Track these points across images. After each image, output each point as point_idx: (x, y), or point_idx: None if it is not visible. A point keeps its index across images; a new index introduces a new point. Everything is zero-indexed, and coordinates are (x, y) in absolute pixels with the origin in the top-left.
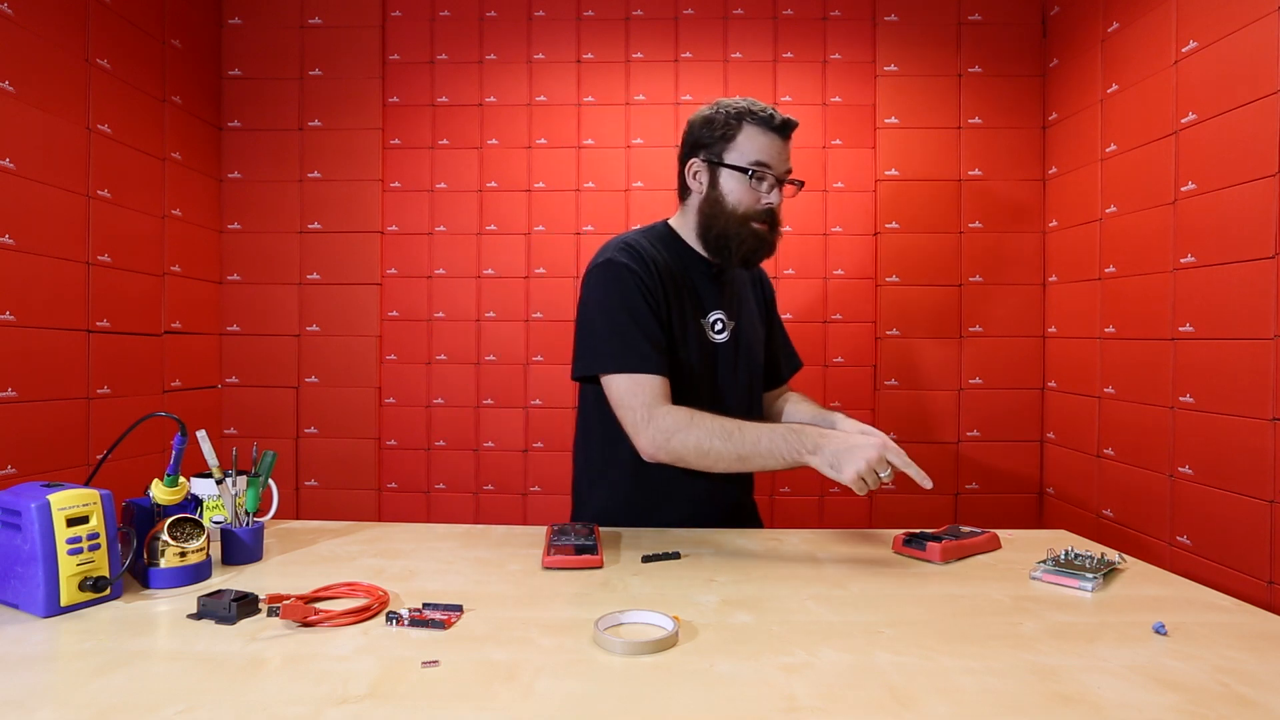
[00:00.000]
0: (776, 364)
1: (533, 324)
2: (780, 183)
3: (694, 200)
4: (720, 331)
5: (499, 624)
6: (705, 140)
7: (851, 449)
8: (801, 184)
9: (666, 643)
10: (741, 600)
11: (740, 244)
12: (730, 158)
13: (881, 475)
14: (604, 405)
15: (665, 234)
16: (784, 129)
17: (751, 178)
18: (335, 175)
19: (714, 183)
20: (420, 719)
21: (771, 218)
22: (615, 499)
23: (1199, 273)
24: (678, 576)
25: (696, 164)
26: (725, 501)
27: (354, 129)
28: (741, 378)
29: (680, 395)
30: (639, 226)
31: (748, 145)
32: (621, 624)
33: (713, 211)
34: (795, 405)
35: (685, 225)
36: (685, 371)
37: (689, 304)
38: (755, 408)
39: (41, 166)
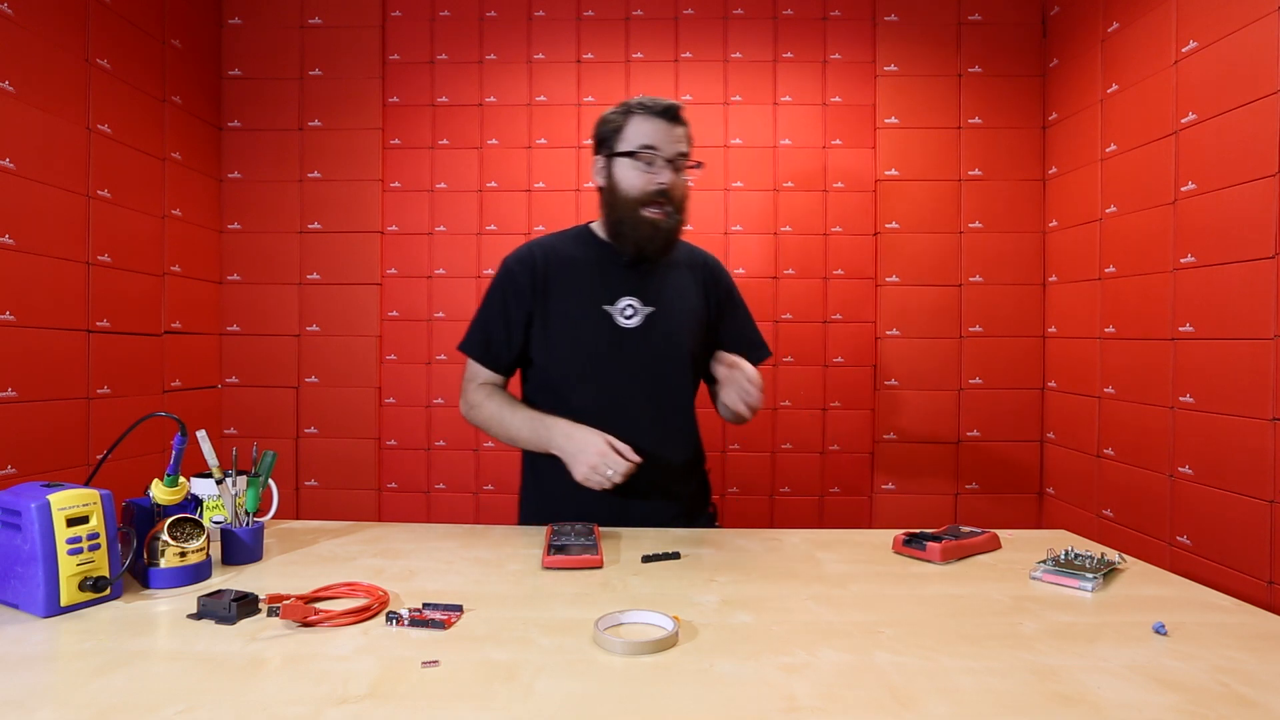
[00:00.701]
0: (750, 346)
1: None
2: (673, 164)
3: (602, 194)
4: (630, 317)
5: (499, 624)
6: (602, 136)
7: (575, 455)
8: (699, 165)
9: (666, 643)
10: (741, 600)
11: (634, 230)
12: (620, 146)
13: (608, 474)
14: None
15: (580, 232)
16: (668, 113)
17: (637, 159)
18: (335, 175)
19: (610, 173)
20: (420, 719)
21: (667, 199)
22: (527, 497)
23: (1199, 273)
24: (678, 576)
25: (599, 160)
26: (610, 506)
27: (354, 129)
28: (653, 360)
29: (580, 375)
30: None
31: (635, 132)
32: (621, 624)
33: (611, 201)
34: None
35: (600, 222)
36: (586, 353)
37: (593, 292)
38: (672, 388)
39: (41, 166)
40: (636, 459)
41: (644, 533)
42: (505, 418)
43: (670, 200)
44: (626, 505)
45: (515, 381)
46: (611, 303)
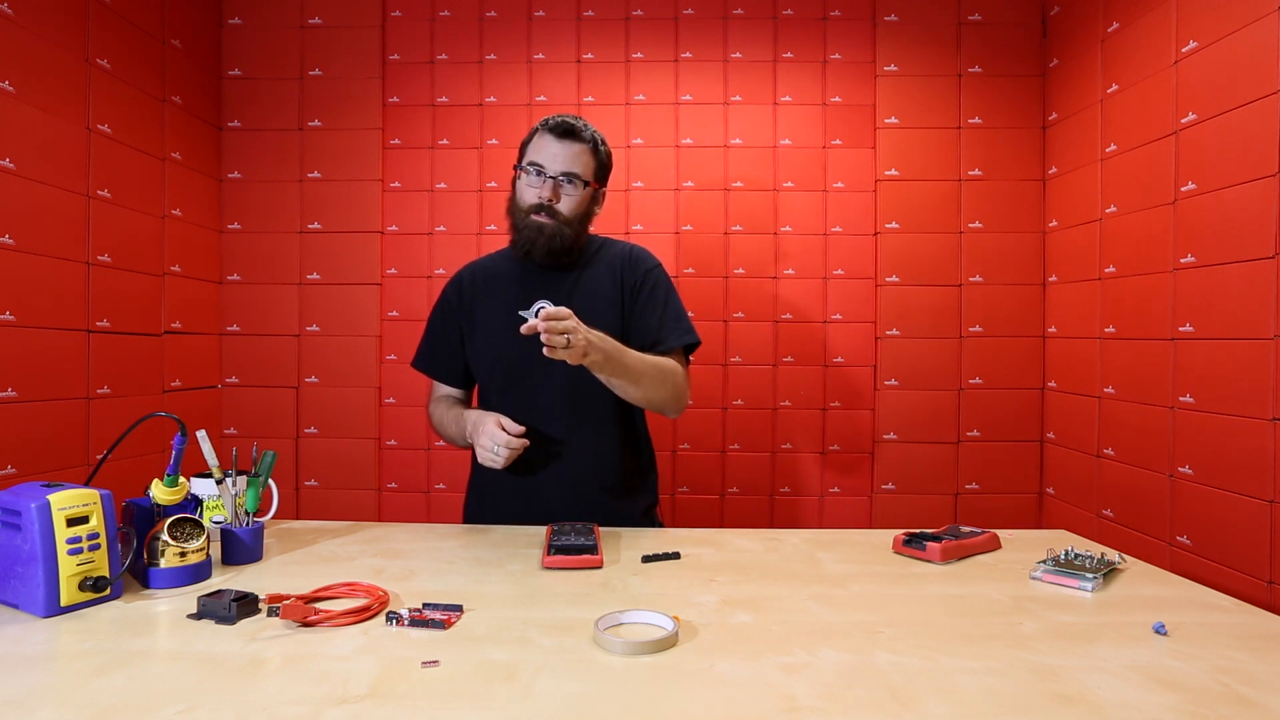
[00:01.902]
0: (651, 337)
1: None
2: (555, 179)
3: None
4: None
5: (499, 624)
6: (519, 153)
7: (475, 439)
8: (587, 183)
9: (666, 643)
10: (741, 600)
11: (520, 234)
12: (521, 162)
13: (494, 451)
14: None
15: (510, 249)
16: (557, 130)
17: (521, 174)
18: (335, 175)
19: (513, 185)
20: (420, 719)
21: (545, 209)
22: (471, 497)
23: (1199, 273)
24: (678, 576)
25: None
26: (599, 477)
27: (354, 129)
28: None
29: (502, 380)
30: None
31: (531, 150)
32: (621, 624)
33: (509, 210)
34: None
35: None
36: (508, 358)
37: (508, 300)
38: (587, 386)
39: (41, 166)
40: (520, 440)
41: (644, 533)
42: (444, 421)
43: (552, 212)
44: (546, 500)
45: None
46: (526, 306)
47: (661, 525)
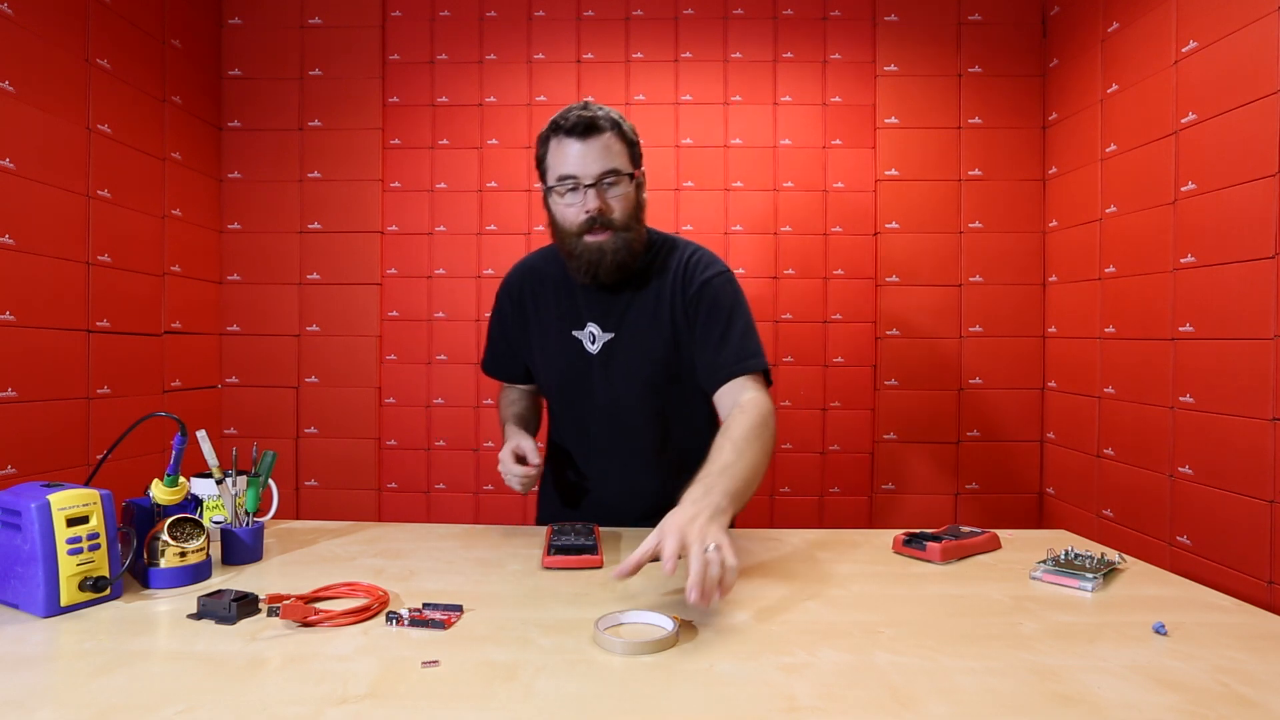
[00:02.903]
0: (711, 370)
1: None
2: (597, 185)
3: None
4: (593, 343)
5: (499, 624)
6: (538, 167)
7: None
8: (630, 175)
9: (666, 643)
10: (742, 600)
11: (578, 259)
12: (548, 180)
13: (509, 479)
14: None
15: (557, 249)
16: (576, 130)
17: (561, 194)
18: (335, 175)
19: (547, 206)
20: (420, 719)
21: (602, 222)
22: (544, 499)
23: (1199, 273)
24: (678, 576)
25: (543, 189)
26: (638, 506)
27: (354, 129)
28: (611, 388)
29: (555, 395)
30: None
31: (554, 161)
32: (621, 624)
33: (555, 234)
34: (715, 443)
35: None
36: (557, 378)
37: (564, 317)
38: (632, 417)
39: (41, 166)
40: (530, 470)
41: (645, 533)
42: (501, 417)
43: (607, 223)
44: (609, 509)
45: None
46: (580, 327)
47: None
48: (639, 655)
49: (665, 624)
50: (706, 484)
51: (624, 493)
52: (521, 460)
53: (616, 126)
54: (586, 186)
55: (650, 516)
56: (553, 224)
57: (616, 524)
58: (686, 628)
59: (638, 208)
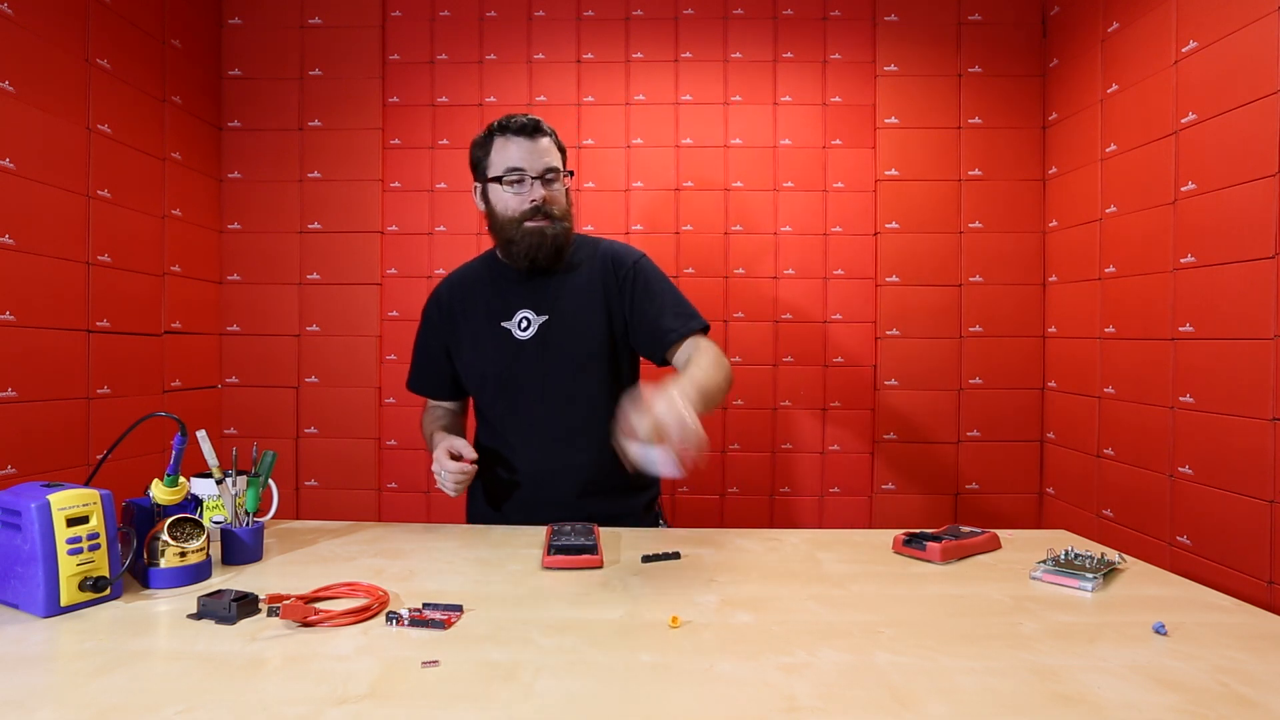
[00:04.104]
0: (657, 335)
1: None
2: (541, 179)
3: (487, 221)
4: (525, 329)
5: (499, 624)
6: (475, 162)
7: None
8: (571, 173)
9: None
10: (741, 600)
11: (521, 244)
12: (491, 172)
13: (443, 479)
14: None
15: (487, 256)
16: (524, 130)
17: (507, 184)
18: (335, 175)
19: (487, 198)
20: (420, 719)
21: (542, 212)
22: (472, 501)
23: (1199, 273)
24: (678, 576)
25: (476, 188)
26: (572, 480)
27: (354, 129)
28: (546, 368)
29: (489, 392)
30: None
31: (499, 156)
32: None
33: (494, 224)
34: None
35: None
36: (489, 370)
37: (490, 312)
38: (575, 393)
39: (41, 166)
40: (464, 467)
41: (644, 533)
42: (426, 436)
43: (548, 212)
44: (548, 503)
45: None
46: (509, 318)
47: (662, 518)
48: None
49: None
50: (676, 383)
51: (558, 470)
52: (456, 458)
53: (553, 134)
54: (532, 179)
55: (585, 493)
56: (491, 215)
57: (548, 507)
58: (687, 628)
59: (569, 204)
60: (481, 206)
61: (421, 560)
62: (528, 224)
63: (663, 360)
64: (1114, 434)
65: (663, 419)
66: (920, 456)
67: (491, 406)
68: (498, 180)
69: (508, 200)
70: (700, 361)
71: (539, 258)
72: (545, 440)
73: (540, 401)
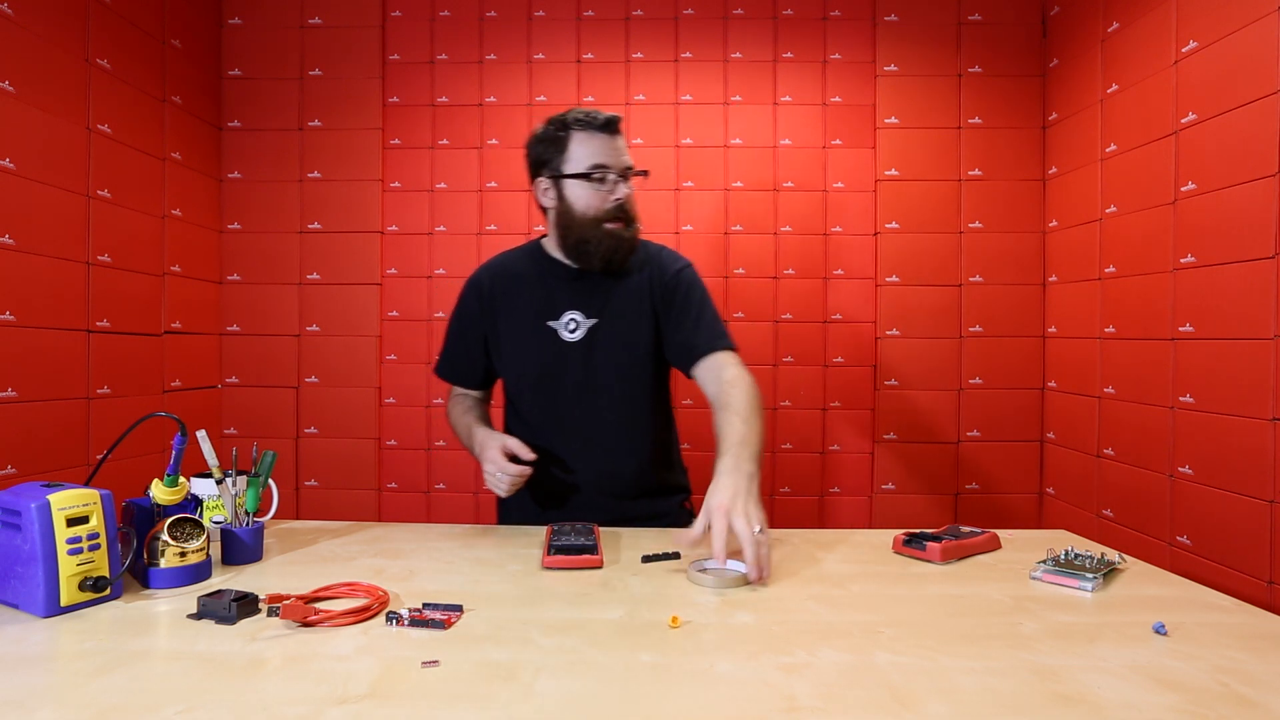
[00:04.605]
0: (686, 348)
1: None
2: (623, 177)
3: (551, 215)
4: (574, 331)
5: (499, 624)
6: (544, 157)
7: (481, 463)
8: (645, 173)
9: (746, 579)
10: (741, 600)
11: (599, 247)
12: (569, 167)
13: (498, 479)
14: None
15: (532, 249)
16: (608, 127)
17: (592, 180)
18: (335, 175)
19: (561, 195)
20: (420, 719)
21: (624, 213)
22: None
23: (1199, 273)
24: (678, 576)
25: (544, 182)
26: (614, 488)
27: (354, 129)
28: (593, 373)
29: (528, 390)
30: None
31: (581, 151)
32: (707, 568)
33: (566, 222)
34: (722, 417)
35: (550, 238)
36: (530, 369)
37: (535, 309)
38: (619, 399)
39: (41, 166)
40: (525, 469)
41: (644, 532)
42: (458, 427)
43: (628, 214)
44: (580, 502)
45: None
46: (555, 318)
47: (694, 516)
48: (727, 589)
49: (741, 567)
50: (734, 456)
51: (600, 478)
52: (512, 459)
53: (623, 135)
54: (616, 177)
55: (625, 499)
56: (565, 213)
57: (589, 512)
58: (687, 628)
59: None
60: (548, 203)
61: (421, 560)
62: (607, 225)
63: (689, 373)
64: (1114, 434)
65: (741, 538)
66: (920, 456)
67: (528, 403)
68: (581, 177)
69: (589, 199)
70: (737, 407)
71: (614, 261)
72: (584, 443)
73: (581, 404)
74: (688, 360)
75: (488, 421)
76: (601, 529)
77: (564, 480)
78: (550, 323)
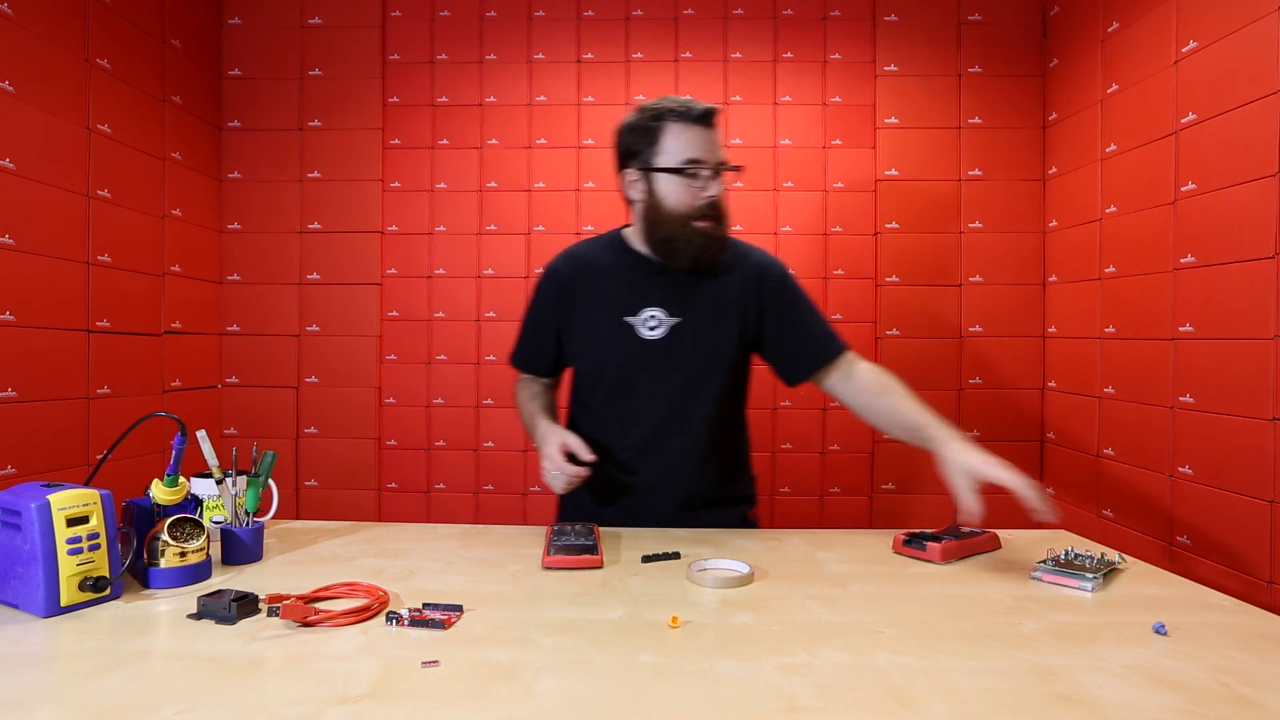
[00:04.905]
0: (806, 353)
1: None
2: (717, 173)
3: (637, 208)
4: (654, 328)
5: (499, 624)
6: (635, 148)
7: (541, 457)
8: (739, 168)
9: (745, 579)
10: (741, 600)
11: (687, 245)
12: (661, 160)
13: (554, 477)
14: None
15: (612, 239)
16: (705, 119)
17: (685, 175)
18: (335, 175)
19: (650, 189)
20: (420, 719)
21: (715, 211)
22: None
23: (1199, 273)
24: (678, 576)
25: (632, 173)
26: (677, 495)
27: (354, 129)
28: (671, 372)
29: (600, 384)
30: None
31: (674, 144)
32: (707, 568)
33: (655, 217)
34: (892, 401)
35: (635, 230)
36: (604, 364)
37: (614, 302)
38: (696, 401)
39: (41, 166)
40: (584, 468)
41: (644, 532)
42: (522, 413)
43: (719, 213)
44: (647, 504)
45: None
46: (634, 314)
47: (756, 526)
48: (725, 589)
49: (742, 568)
50: (943, 428)
51: (664, 482)
52: (571, 458)
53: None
54: (710, 173)
55: (686, 506)
56: (653, 208)
57: (650, 517)
58: (687, 628)
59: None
60: (637, 196)
61: (421, 560)
62: (697, 223)
63: (796, 380)
64: (1114, 434)
65: (1015, 486)
66: (920, 456)
67: (599, 399)
68: (674, 171)
69: (680, 194)
70: (903, 391)
71: (703, 260)
72: (651, 445)
73: (653, 405)
74: (808, 365)
75: (553, 411)
76: (601, 529)
77: (624, 482)
78: (628, 318)
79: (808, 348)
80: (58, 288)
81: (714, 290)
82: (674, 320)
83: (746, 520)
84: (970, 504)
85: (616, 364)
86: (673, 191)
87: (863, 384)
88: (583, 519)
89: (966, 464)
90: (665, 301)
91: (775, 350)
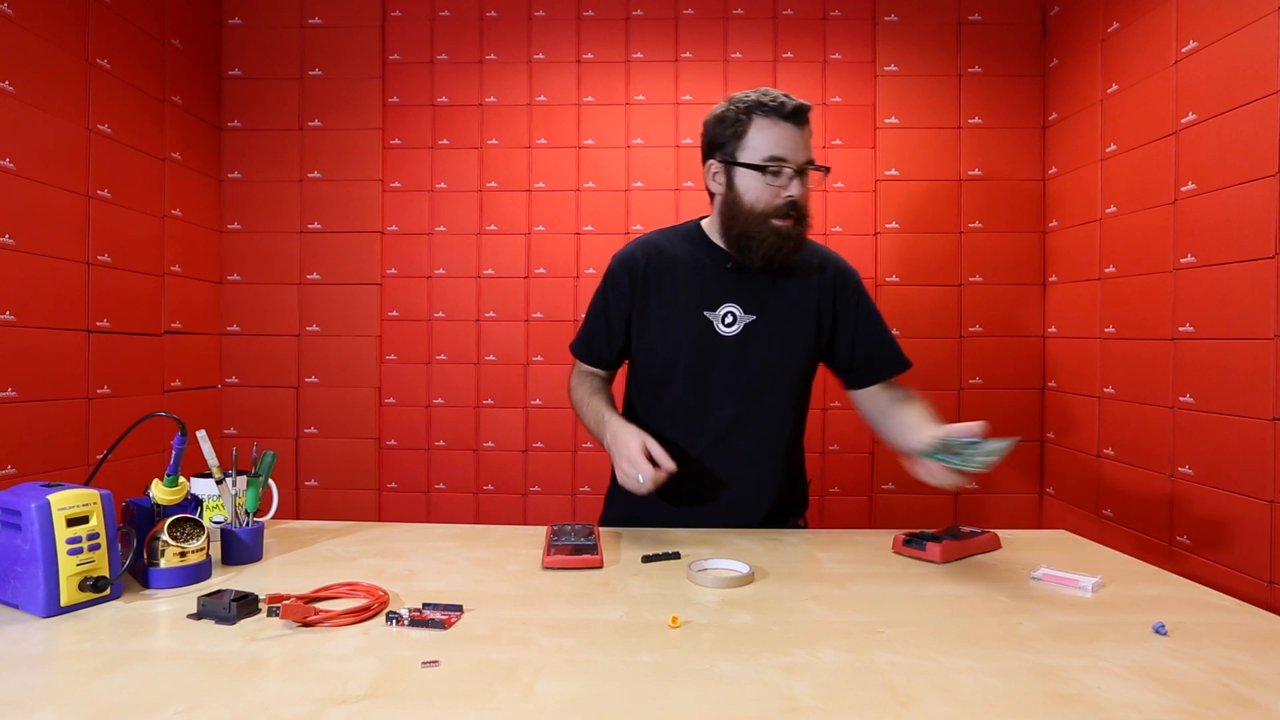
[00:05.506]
0: (872, 363)
1: (533, 324)
2: (801, 173)
3: (717, 200)
4: (730, 325)
5: (499, 624)
6: (720, 139)
7: (616, 456)
8: (827, 170)
9: (745, 579)
10: (741, 600)
11: (761, 243)
12: (744, 155)
13: (637, 479)
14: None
15: (690, 230)
16: (796, 115)
17: (767, 173)
18: (335, 175)
19: (730, 183)
20: (420, 719)
21: (795, 210)
22: (616, 495)
23: (1199, 273)
24: (678, 576)
25: (714, 165)
26: (762, 503)
27: (354, 129)
28: (745, 370)
29: (673, 378)
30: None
31: (760, 139)
32: (707, 568)
33: (732, 212)
34: (906, 406)
35: (713, 223)
36: (678, 358)
37: (691, 296)
38: (765, 402)
39: (41, 166)
40: (668, 469)
41: (644, 532)
42: (583, 407)
43: (799, 213)
44: (707, 506)
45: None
46: (712, 308)
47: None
48: (725, 589)
49: (742, 568)
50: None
51: (742, 488)
52: (652, 461)
53: (810, 125)
54: (793, 172)
55: (768, 518)
56: (733, 202)
57: (731, 523)
58: (687, 628)
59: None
60: (717, 189)
61: (421, 560)
62: (774, 221)
63: (859, 386)
64: (1114, 434)
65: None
66: None
67: (671, 393)
68: (756, 168)
69: (760, 191)
70: (924, 406)
71: (776, 260)
72: (718, 443)
73: (724, 402)
74: (869, 374)
75: (615, 406)
76: (602, 529)
77: (697, 481)
78: (706, 312)
79: (880, 357)
80: (58, 288)
81: (793, 290)
82: (750, 318)
83: (798, 528)
84: (975, 425)
85: (691, 358)
86: (752, 188)
87: (889, 399)
88: (649, 521)
89: (958, 427)
90: (743, 298)
91: (846, 357)
